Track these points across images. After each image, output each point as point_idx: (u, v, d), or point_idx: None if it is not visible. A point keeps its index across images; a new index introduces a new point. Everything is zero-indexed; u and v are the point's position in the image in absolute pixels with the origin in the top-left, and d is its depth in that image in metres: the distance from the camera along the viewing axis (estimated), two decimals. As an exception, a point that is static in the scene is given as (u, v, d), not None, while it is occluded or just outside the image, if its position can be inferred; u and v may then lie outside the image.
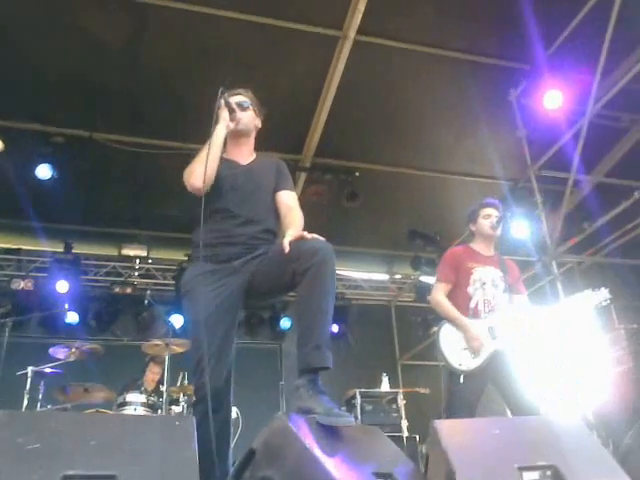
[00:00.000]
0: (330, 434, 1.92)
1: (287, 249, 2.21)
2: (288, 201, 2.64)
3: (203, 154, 2.48)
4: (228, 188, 2.54)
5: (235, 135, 2.68)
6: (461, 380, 3.43)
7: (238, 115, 2.64)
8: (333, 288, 2.21)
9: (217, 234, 2.47)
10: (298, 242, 2.24)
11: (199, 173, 2.42)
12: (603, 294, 3.60)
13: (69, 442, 1.58)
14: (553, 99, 5.80)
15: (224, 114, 2.59)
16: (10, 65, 5.53)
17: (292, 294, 2.38)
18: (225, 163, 2.59)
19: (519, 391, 3.44)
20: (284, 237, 2.31)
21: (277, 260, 2.31)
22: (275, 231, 2.61)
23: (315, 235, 2.27)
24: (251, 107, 2.73)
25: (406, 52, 5.76)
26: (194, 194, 2.47)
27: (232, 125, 2.61)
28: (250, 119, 2.72)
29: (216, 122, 2.57)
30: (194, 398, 2.39)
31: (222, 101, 2.59)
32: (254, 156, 2.78)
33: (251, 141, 2.79)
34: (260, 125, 2.81)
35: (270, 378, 8.43)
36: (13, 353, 5.59)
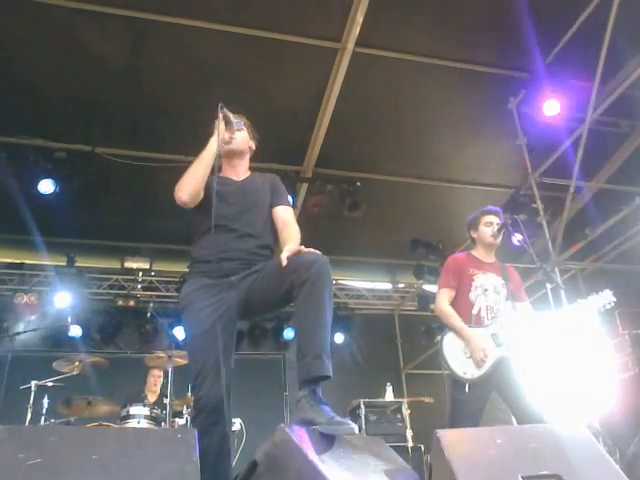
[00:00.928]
0: (332, 446, 1.91)
1: (285, 262, 2.24)
2: (284, 216, 2.66)
3: (192, 168, 2.52)
4: (224, 204, 2.55)
5: (229, 155, 2.71)
6: (466, 389, 3.41)
7: (235, 127, 2.66)
8: (330, 299, 2.22)
9: (214, 249, 2.47)
10: (295, 256, 2.25)
11: (186, 187, 2.48)
12: (607, 296, 3.59)
13: (70, 457, 1.58)
14: (552, 107, 5.82)
15: (220, 126, 2.61)
16: (12, 82, 5.58)
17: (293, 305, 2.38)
18: (220, 179, 2.61)
19: (524, 399, 3.41)
20: (281, 252, 2.33)
21: (274, 274, 2.32)
22: (272, 247, 2.62)
23: (312, 249, 2.29)
24: (244, 128, 2.76)
25: (405, 63, 5.79)
26: (185, 209, 2.51)
27: (227, 137, 2.63)
28: (244, 139, 2.75)
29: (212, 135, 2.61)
30: (193, 412, 2.39)
31: (220, 114, 2.61)
32: (249, 174, 2.81)
33: (245, 162, 2.81)
34: (254, 147, 2.84)
35: (274, 388, 8.41)
36: (16, 367, 5.59)
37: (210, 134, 2.61)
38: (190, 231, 2.65)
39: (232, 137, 2.67)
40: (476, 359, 3.45)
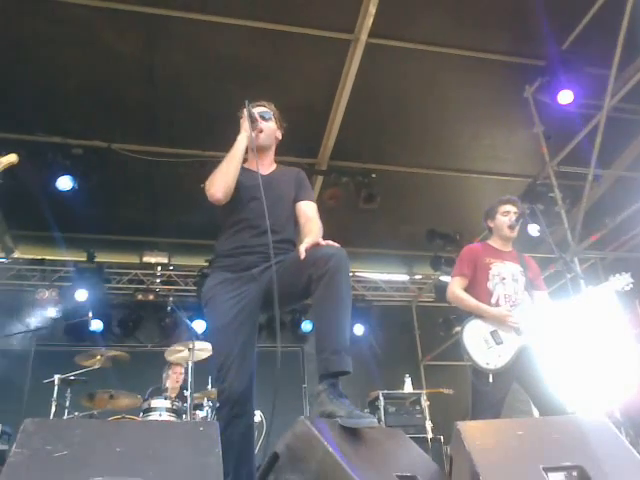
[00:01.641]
0: (353, 438, 1.92)
1: (303, 255, 2.24)
2: (308, 211, 2.66)
3: (224, 165, 2.53)
4: (249, 198, 2.57)
5: (258, 149, 2.69)
6: (490, 379, 3.39)
7: (260, 125, 2.67)
8: (348, 293, 2.22)
9: (237, 244, 2.52)
10: (313, 249, 2.26)
11: (219, 185, 2.48)
12: (626, 278, 3.55)
13: (96, 449, 1.61)
14: (566, 97, 5.73)
15: (245, 125, 2.62)
16: (30, 80, 5.65)
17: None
18: (246, 173, 2.62)
19: (546, 389, 3.38)
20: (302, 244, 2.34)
21: (294, 267, 2.33)
22: (294, 241, 2.63)
23: (330, 242, 2.29)
24: (273, 118, 2.76)
25: (419, 53, 5.74)
26: (215, 205, 2.52)
27: (254, 135, 2.63)
28: (272, 130, 2.76)
29: (239, 132, 2.61)
30: (217, 403, 2.42)
31: (245, 111, 2.62)
32: (274, 166, 2.81)
33: (272, 153, 2.82)
34: (280, 137, 2.84)
35: (293, 381, 8.45)
36: (40, 362, 5.69)
37: (238, 131, 2.62)
38: (216, 226, 2.68)
39: (258, 134, 2.67)
40: (511, 324, 3.43)
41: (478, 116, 6.55)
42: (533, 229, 3.90)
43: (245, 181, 2.58)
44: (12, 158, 2.95)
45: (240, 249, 2.51)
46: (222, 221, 2.63)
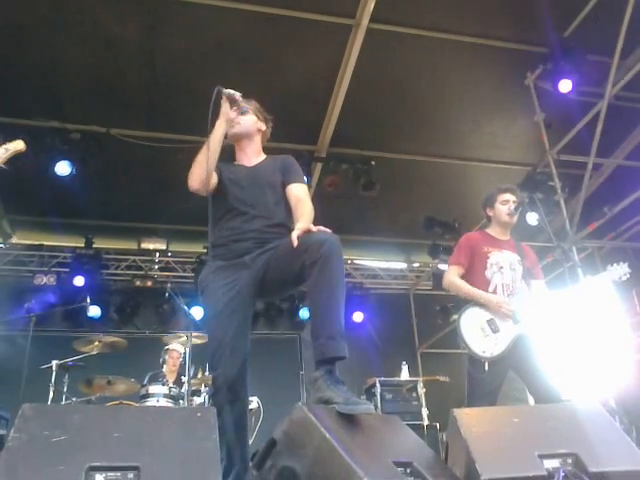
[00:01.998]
0: (350, 424, 1.93)
1: (296, 242, 2.24)
2: (297, 193, 2.67)
3: (201, 156, 2.54)
4: (236, 190, 2.62)
5: (236, 139, 2.75)
6: (486, 367, 3.41)
7: (242, 104, 2.67)
8: (342, 279, 2.23)
9: (228, 232, 2.56)
10: (305, 235, 2.26)
11: (195, 175, 2.52)
12: (623, 268, 3.56)
13: (94, 434, 1.62)
14: (568, 84, 5.70)
15: (224, 107, 2.62)
16: (29, 64, 5.60)
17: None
18: (231, 167, 2.68)
19: (542, 377, 3.40)
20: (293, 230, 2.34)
21: (286, 254, 2.34)
22: (288, 224, 2.63)
23: (322, 227, 2.29)
24: (251, 112, 2.77)
25: (420, 38, 5.70)
26: (198, 195, 2.55)
27: (234, 116, 2.65)
28: (250, 122, 2.77)
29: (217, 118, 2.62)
30: (212, 390, 2.44)
31: (222, 95, 2.61)
32: (262, 157, 2.82)
33: (255, 144, 2.82)
34: (264, 129, 2.85)
35: (290, 367, 8.50)
36: (38, 347, 5.69)
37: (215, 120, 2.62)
38: (207, 216, 2.67)
39: (237, 120, 2.69)
40: (506, 311, 3.44)
41: (479, 103, 6.52)
42: (532, 218, 3.90)
43: (230, 175, 2.64)
44: (19, 146, 2.90)
45: (231, 237, 2.54)
46: (213, 213, 2.64)
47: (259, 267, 2.45)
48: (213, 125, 2.61)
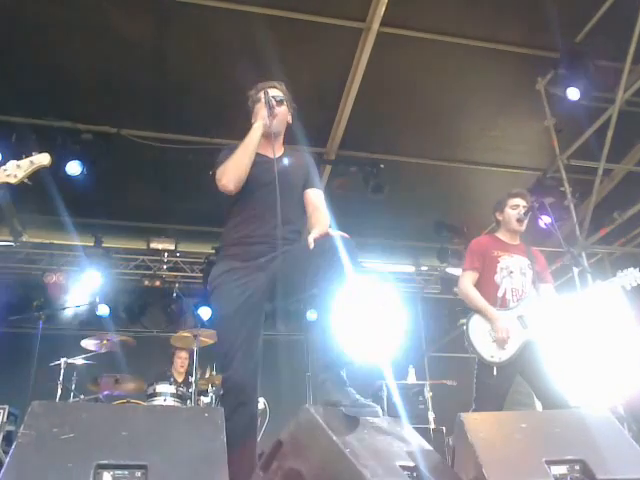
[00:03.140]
0: (356, 427, 1.93)
1: (312, 245, 2.23)
2: (315, 201, 2.65)
3: (237, 155, 2.48)
4: (260, 186, 2.53)
5: (268, 135, 2.63)
6: (494, 372, 3.40)
7: (276, 110, 2.61)
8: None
9: (246, 232, 2.51)
10: (323, 239, 2.24)
11: (231, 176, 2.45)
12: (633, 274, 3.53)
13: (102, 432, 1.63)
14: (576, 91, 5.66)
15: (262, 112, 2.58)
16: (41, 64, 5.64)
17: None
18: (256, 157, 2.55)
19: (550, 382, 3.39)
20: (309, 234, 2.31)
21: (301, 257, 2.32)
22: (301, 230, 2.62)
23: (340, 232, 2.27)
24: (285, 101, 2.72)
25: (430, 42, 5.70)
26: (225, 193, 2.50)
27: (268, 122, 2.58)
28: (285, 114, 2.71)
29: (254, 119, 2.58)
30: (222, 391, 2.43)
31: (262, 97, 2.59)
32: (282, 150, 2.76)
33: (282, 136, 2.77)
34: (291, 121, 2.80)
35: (296, 369, 8.49)
36: (47, 345, 5.73)
37: (249, 118, 2.59)
38: (225, 212, 2.63)
39: (274, 118, 2.61)
40: (499, 339, 3.43)
41: (489, 107, 6.50)
42: (542, 222, 3.87)
43: (255, 167, 2.53)
44: (45, 160, 2.75)
45: (249, 238, 2.50)
46: (230, 208, 2.60)
47: (273, 270, 2.43)
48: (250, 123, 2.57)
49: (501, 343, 3.44)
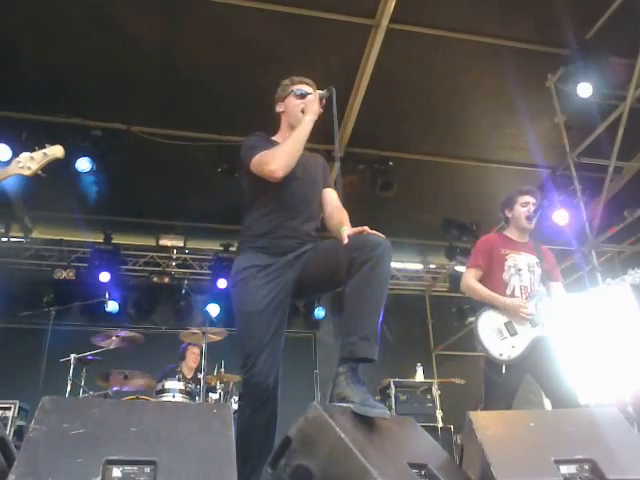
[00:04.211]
0: (364, 424, 1.93)
1: (346, 240, 2.19)
2: (334, 200, 2.66)
3: (290, 144, 2.45)
4: (292, 177, 2.48)
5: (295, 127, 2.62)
6: (503, 371, 3.39)
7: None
8: (387, 284, 2.20)
9: (275, 224, 2.47)
10: (360, 235, 2.22)
11: (283, 162, 2.39)
12: None
13: (111, 428, 1.64)
14: (588, 88, 5.62)
15: (315, 106, 2.60)
16: (50, 61, 5.67)
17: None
18: None
19: (559, 381, 3.36)
20: (340, 231, 2.30)
21: (330, 252, 2.30)
22: (319, 229, 2.61)
23: (376, 232, 2.25)
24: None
25: (440, 39, 5.67)
26: (248, 179, 2.50)
27: (314, 117, 2.61)
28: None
29: (306, 113, 2.60)
30: (242, 389, 2.37)
31: (317, 94, 2.66)
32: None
33: None
34: None
35: (305, 367, 8.50)
36: (56, 341, 5.77)
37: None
38: (247, 201, 2.58)
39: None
40: (523, 316, 3.41)
41: (499, 104, 6.46)
42: (559, 217, 3.85)
43: None
44: (59, 153, 2.74)
45: (279, 230, 2.45)
46: (254, 197, 2.55)
47: (300, 267, 2.40)
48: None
49: (528, 320, 3.41)
